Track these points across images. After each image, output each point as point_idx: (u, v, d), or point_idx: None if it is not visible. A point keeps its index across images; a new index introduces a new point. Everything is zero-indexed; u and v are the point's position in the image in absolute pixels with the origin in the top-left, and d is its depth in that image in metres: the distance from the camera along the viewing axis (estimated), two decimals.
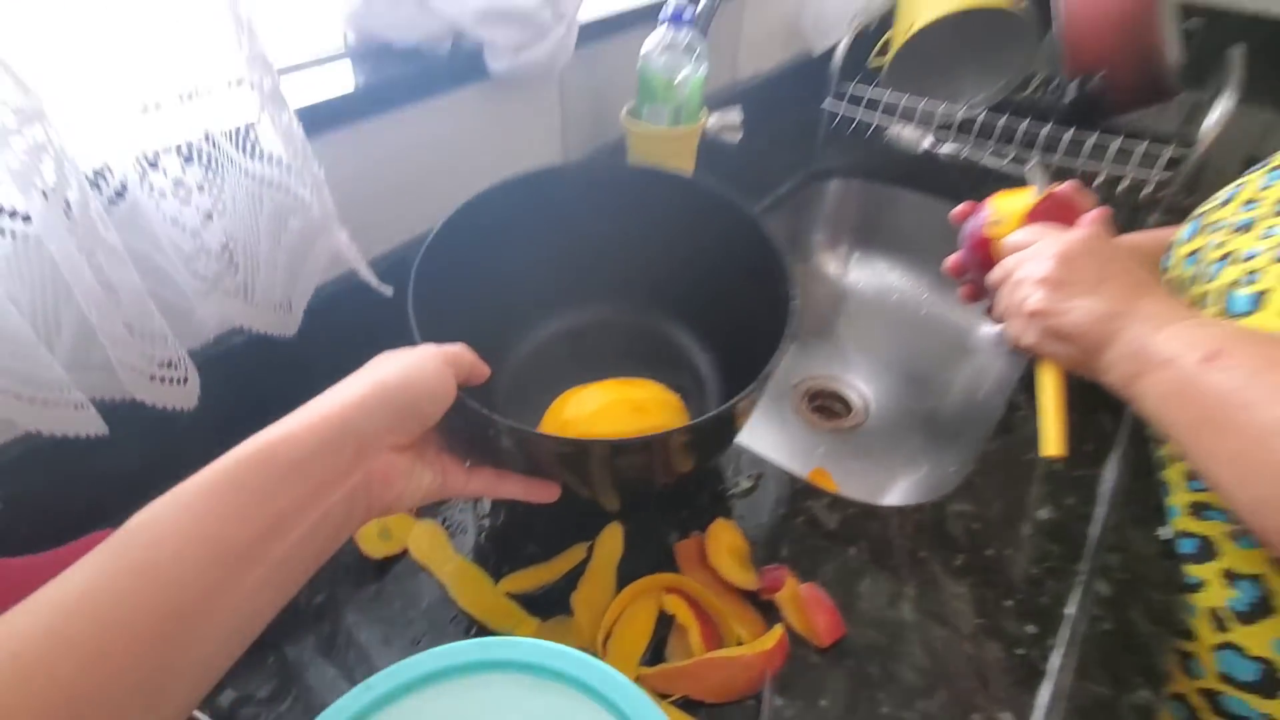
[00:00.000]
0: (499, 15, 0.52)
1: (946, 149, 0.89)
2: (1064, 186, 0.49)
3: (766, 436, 0.83)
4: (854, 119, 0.95)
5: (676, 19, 0.58)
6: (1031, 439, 0.46)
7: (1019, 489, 0.51)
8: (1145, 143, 0.77)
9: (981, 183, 0.76)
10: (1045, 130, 0.81)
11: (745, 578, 0.43)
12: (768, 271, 0.46)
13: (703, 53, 0.60)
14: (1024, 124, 0.83)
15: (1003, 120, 0.85)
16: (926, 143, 0.89)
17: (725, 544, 0.45)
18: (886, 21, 0.96)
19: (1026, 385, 0.54)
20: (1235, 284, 0.40)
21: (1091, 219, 0.45)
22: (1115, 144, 0.77)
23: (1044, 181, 0.50)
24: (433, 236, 0.43)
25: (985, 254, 0.51)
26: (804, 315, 0.96)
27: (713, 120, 0.74)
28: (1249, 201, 0.45)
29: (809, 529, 0.48)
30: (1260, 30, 1.03)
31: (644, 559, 0.45)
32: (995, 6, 0.87)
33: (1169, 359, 0.36)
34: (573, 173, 0.54)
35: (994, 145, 0.87)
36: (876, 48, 0.96)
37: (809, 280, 1.00)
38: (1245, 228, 0.43)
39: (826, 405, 0.88)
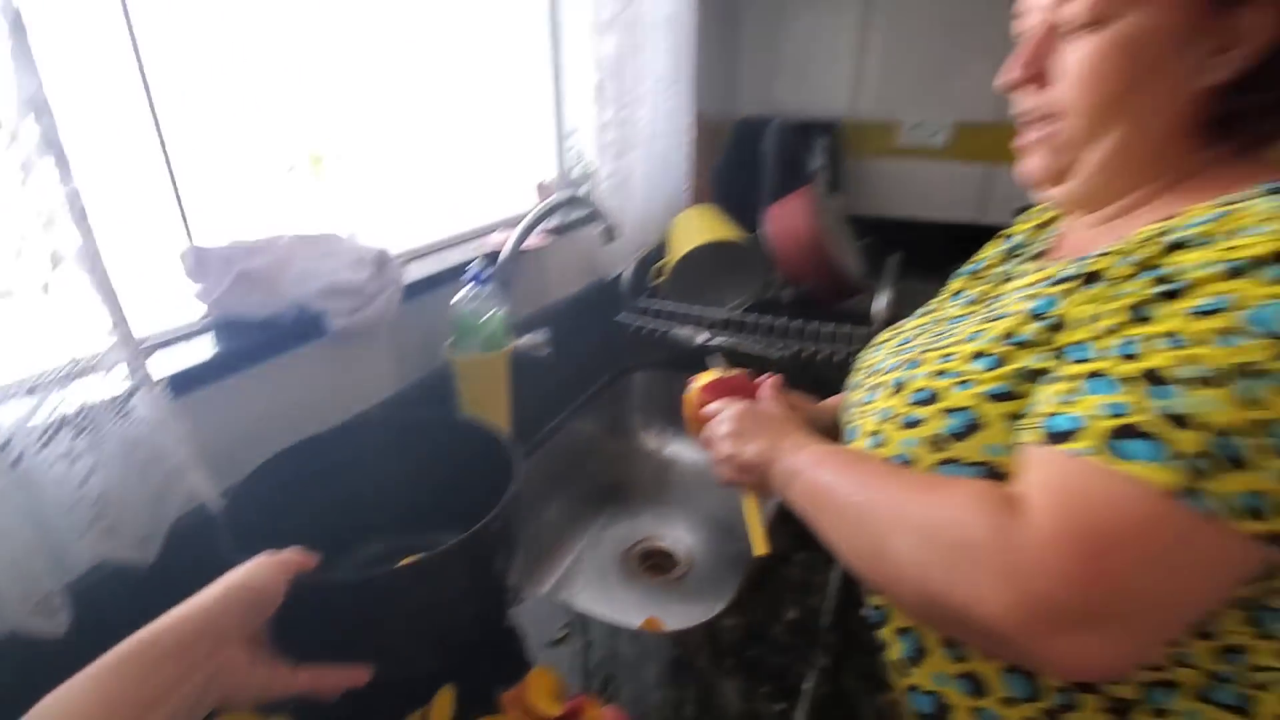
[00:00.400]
0: (334, 291, 0.69)
1: (718, 341, 1.15)
2: (735, 372, 0.71)
3: (603, 595, 0.94)
4: (645, 326, 1.19)
5: (477, 279, 0.78)
6: (782, 556, 0.63)
7: (774, 598, 0.66)
8: (833, 325, 1.06)
9: (745, 363, 1.00)
10: (779, 321, 1.09)
11: (555, 709, 0.53)
12: (503, 466, 0.61)
13: (501, 298, 0.80)
14: (766, 318, 1.11)
15: (753, 316, 1.13)
16: (701, 338, 1.14)
17: (542, 686, 0.55)
18: (662, 250, 1.25)
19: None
20: (849, 422, 0.61)
21: (765, 389, 0.66)
22: (816, 326, 1.06)
23: (721, 367, 0.72)
24: (240, 483, 0.56)
25: (694, 419, 0.71)
26: (631, 487, 1.13)
27: (523, 340, 0.94)
28: (863, 368, 0.68)
29: (614, 661, 0.59)
30: (914, 231, 1.45)
31: (477, 713, 0.54)
32: (731, 240, 1.18)
33: (799, 470, 0.55)
34: (355, 429, 0.69)
35: (750, 335, 1.13)
36: (654, 270, 1.24)
37: (633, 457, 1.18)
38: (856, 387, 0.65)
39: (657, 562, 1.01)
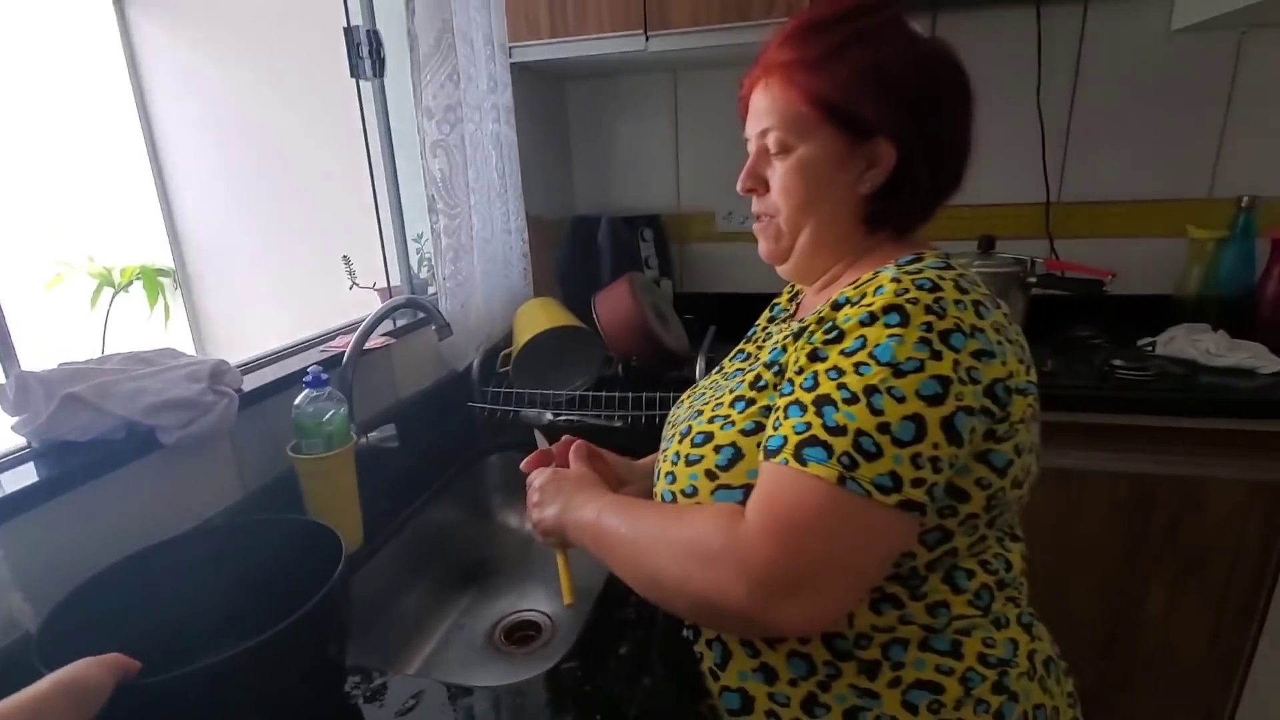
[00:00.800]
0: (165, 405, 0.72)
1: (564, 418, 1.25)
2: (557, 444, 0.82)
3: (471, 671, 0.97)
4: (496, 410, 1.28)
5: (315, 383, 0.84)
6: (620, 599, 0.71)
7: (610, 638, 0.74)
8: (658, 392, 1.20)
9: (590, 435, 1.11)
10: (615, 394, 1.21)
11: None
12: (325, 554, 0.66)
13: (343, 398, 0.86)
14: (603, 392, 1.23)
15: (593, 392, 1.25)
16: (547, 419, 1.24)
17: None
18: (508, 340, 1.35)
19: None
20: (658, 466, 0.73)
21: (570, 454, 0.77)
22: (644, 395, 1.19)
23: (541, 441, 0.82)
24: (57, 606, 0.57)
25: None
26: (494, 565, 1.18)
27: (373, 436, 0.99)
28: (670, 422, 0.81)
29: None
30: (731, 303, 1.66)
31: None
32: (568, 326, 1.31)
33: (589, 523, 0.66)
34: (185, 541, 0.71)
35: (591, 410, 1.25)
36: (501, 358, 1.34)
37: (495, 536, 1.23)
38: (664, 438, 0.78)
39: (523, 635, 1.06)
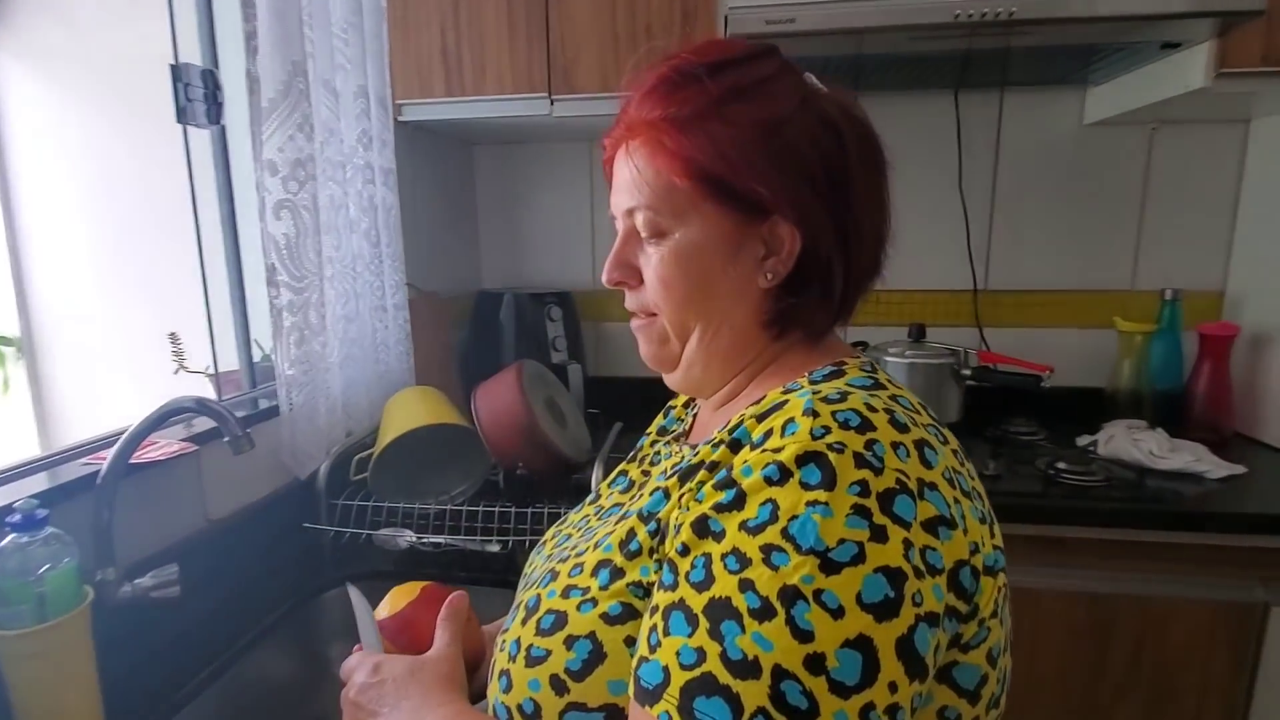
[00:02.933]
0: None
1: (431, 541, 1.01)
2: (409, 603, 0.59)
3: None
4: (345, 531, 1.02)
5: (27, 524, 0.59)
6: None
7: None
8: (547, 507, 0.99)
9: (464, 566, 0.91)
10: (494, 509, 0.99)
11: None
12: None
13: (69, 541, 0.61)
14: (479, 507, 1.00)
15: (467, 507, 1.01)
16: (407, 541, 0.99)
17: None
18: (364, 441, 1.11)
19: None
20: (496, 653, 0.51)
21: (441, 623, 0.55)
22: (529, 511, 0.98)
23: (362, 609, 0.60)
24: None
25: None
26: None
27: (143, 582, 0.73)
28: (524, 575, 0.60)
29: None
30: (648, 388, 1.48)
31: None
32: (445, 423, 1.09)
33: None
34: None
35: (465, 531, 1.01)
36: (357, 463, 1.09)
37: (335, 689, 0.95)
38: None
39: None
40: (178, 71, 0.95)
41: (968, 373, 1.39)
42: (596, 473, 0.97)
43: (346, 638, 0.99)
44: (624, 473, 0.62)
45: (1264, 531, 1.11)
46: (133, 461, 0.72)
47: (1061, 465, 1.24)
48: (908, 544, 0.35)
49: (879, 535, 0.34)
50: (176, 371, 1.13)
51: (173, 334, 1.14)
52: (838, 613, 0.33)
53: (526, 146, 1.77)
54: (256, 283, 1.11)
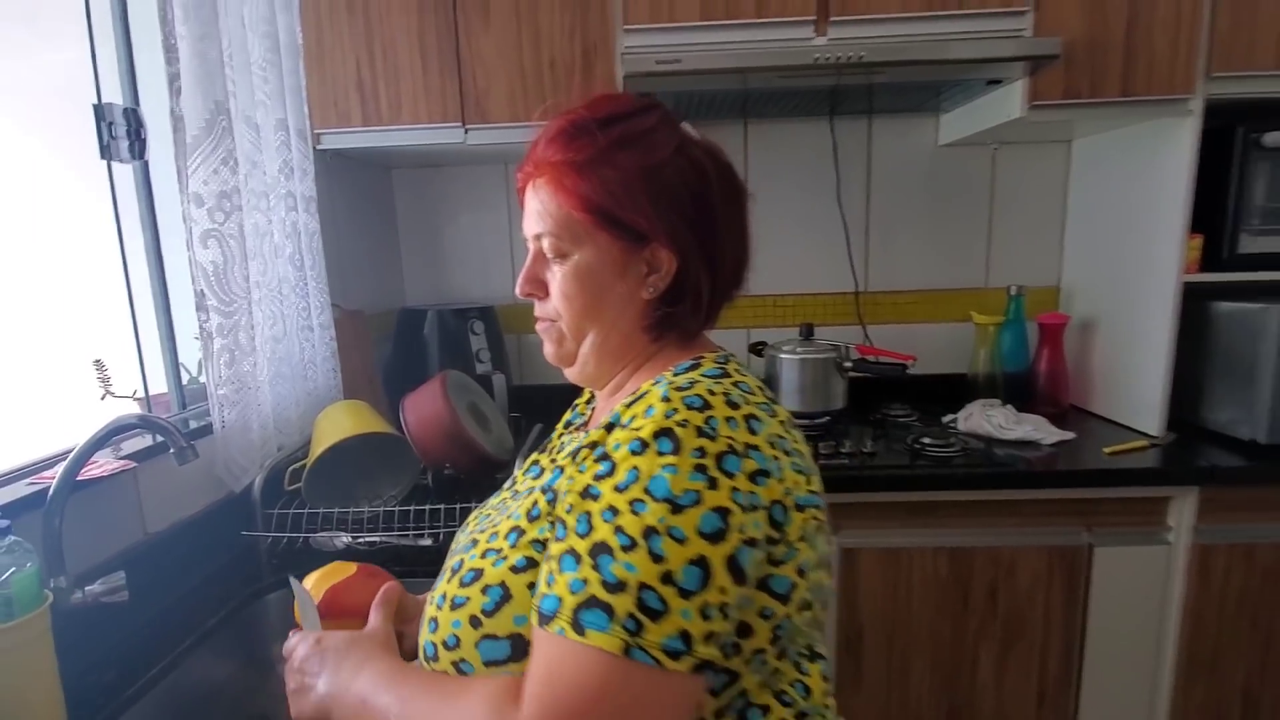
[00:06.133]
0: None
1: (366, 540, 1.09)
2: (341, 580, 0.69)
3: None
4: (283, 537, 1.09)
5: None
6: None
7: None
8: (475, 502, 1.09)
9: (398, 560, 1.00)
10: (424, 508, 1.08)
11: None
12: None
13: (28, 549, 0.67)
14: (410, 507, 1.09)
15: (399, 508, 1.10)
16: (343, 542, 1.07)
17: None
18: (296, 455, 1.18)
19: None
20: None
21: (376, 608, 0.65)
22: (458, 507, 1.08)
23: (303, 596, 0.69)
24: None
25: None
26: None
27: (94, 589, 0.79)
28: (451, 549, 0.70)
29: None
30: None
31: None
32: (374, 432, 1.17)
33: (358, 701, 0.56)
34: None
35: (398, 529, 1.10)
36: (291, 473, 1.16)
37: (278, 685, 1.02)
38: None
39: None
40: (101, 111, 1.01)
41: (849, 365, 1.58)
42: (517, 469, 1.08)
43: (286, 637, 1.06)
44: (536, 462, 0.74)
45: (1085, 485, 1.34)
46: (78, 479, 0.78)
47: (926, 440, 1.43)
48: (734, 490, 0.48)
49: (713, 485, 0.47)
50: (104, 397, 1.17)
51: (98, 360, 1.17)
52: (683, 541, 0.46)
53: (444, 170, 1.86)
54: (182, 308, 1.17)
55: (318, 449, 1.12)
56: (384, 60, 1.43)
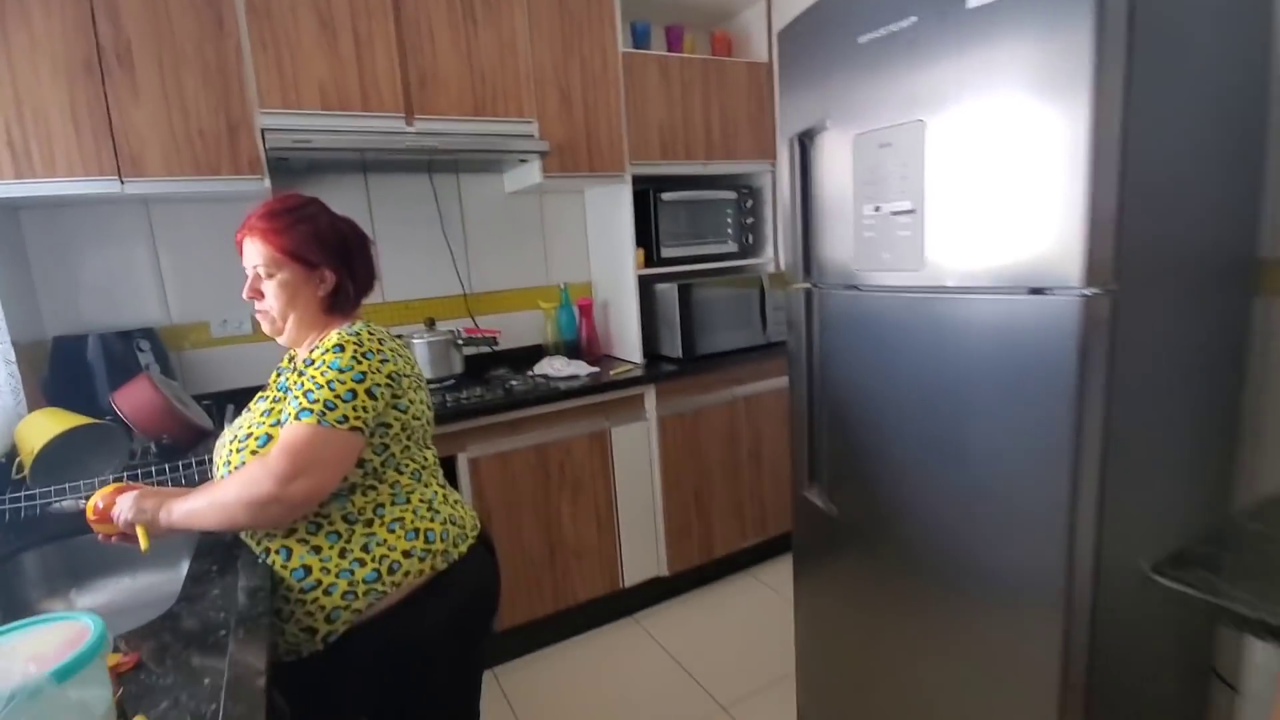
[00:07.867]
0: None
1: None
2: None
3: None
4: (21, 510, 1.38)
5: None
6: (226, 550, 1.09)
7: (227, 588, 1.12)
8: (194, 460, 1.55)
9: None
10: (154, 468, 1.49)
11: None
12: None
13: None
14: (152, 467, 1.48)
15: (139, 472, 1.48)
16: (83, 502, 1.42)
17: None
18: (13, 455, 1.45)
19: None
20: (217, 469, 1.16)
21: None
22: (181, 464, 1.52)
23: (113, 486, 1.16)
24: None
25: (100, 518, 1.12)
26: None
27: None
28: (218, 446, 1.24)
29: None
30: (236, 399, 2.04)
31: None
32: (83, 425, 1.50)
33: (184, 511, 1.08)
34: None
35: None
36: (15, 468, 1.43)
37: None
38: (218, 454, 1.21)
39: None
40: None
41: (461, 342, 2.35)
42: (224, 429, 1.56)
43: (48, 584, 1.36)
44: (262, 394, 1.31)
45: (603, 393, 2.32)
46: None
47: (514, 383, 2.28)
48: (369, 366, 1.15)
49: (358, 360, 1.11)
50: None
51: None
52: (344, 384, 1.11)
53: (75, 210, 2.03)
54: None
55: (36, 445, 1.42)
56: (35, 124, 1.67)
